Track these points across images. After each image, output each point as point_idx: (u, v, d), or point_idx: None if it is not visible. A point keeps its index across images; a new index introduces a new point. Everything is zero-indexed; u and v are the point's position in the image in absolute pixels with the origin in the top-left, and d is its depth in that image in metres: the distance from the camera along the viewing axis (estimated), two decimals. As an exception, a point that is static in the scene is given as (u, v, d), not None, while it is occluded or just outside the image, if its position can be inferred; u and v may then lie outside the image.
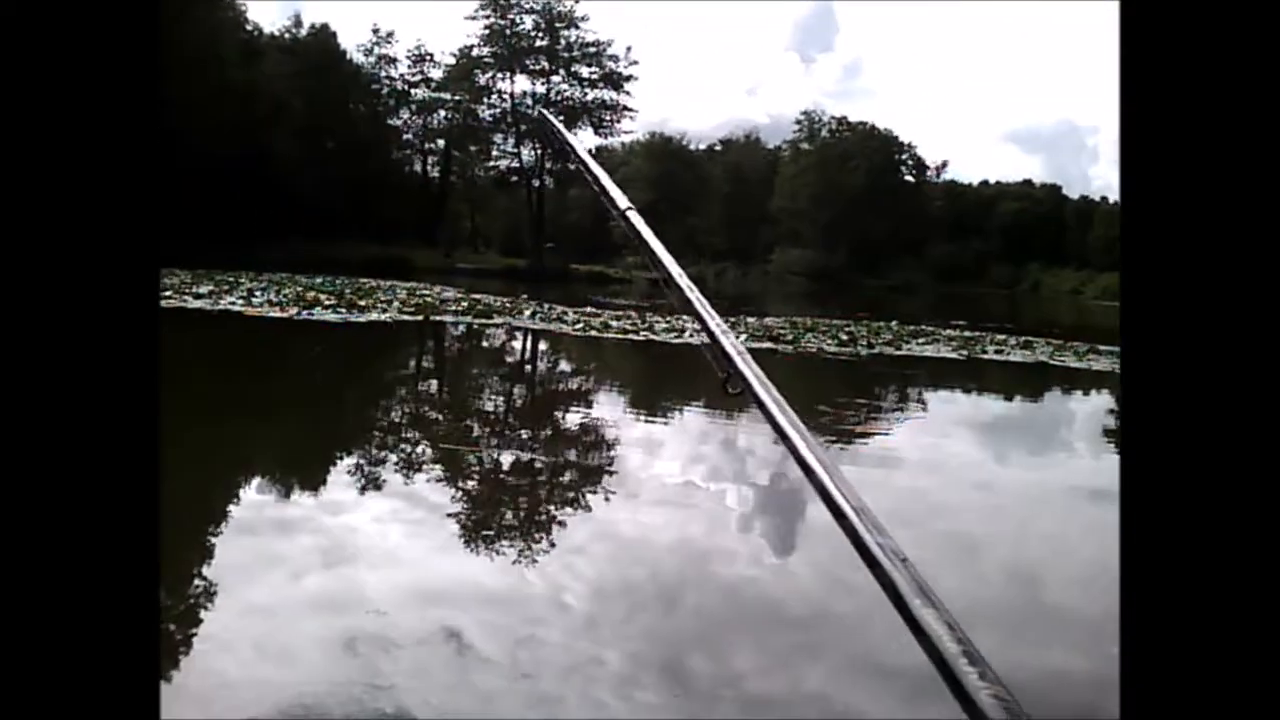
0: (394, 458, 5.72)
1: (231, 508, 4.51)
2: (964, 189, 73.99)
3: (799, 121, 71.31)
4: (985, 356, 13.79)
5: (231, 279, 19.47)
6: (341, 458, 5.75)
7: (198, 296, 15.05)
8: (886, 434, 7.77)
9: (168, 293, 15.12)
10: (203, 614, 3.09)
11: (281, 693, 2.46)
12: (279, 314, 13.67)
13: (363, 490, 4.88)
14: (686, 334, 14.22)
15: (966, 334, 17.01)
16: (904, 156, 69.90)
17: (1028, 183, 72.84)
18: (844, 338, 14.85)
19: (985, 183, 75.30)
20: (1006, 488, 5.73)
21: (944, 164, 73.42)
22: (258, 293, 16.27)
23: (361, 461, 5.64)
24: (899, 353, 13.67)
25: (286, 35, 46.37)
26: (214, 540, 3.95)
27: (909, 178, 70.56)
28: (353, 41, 51.10)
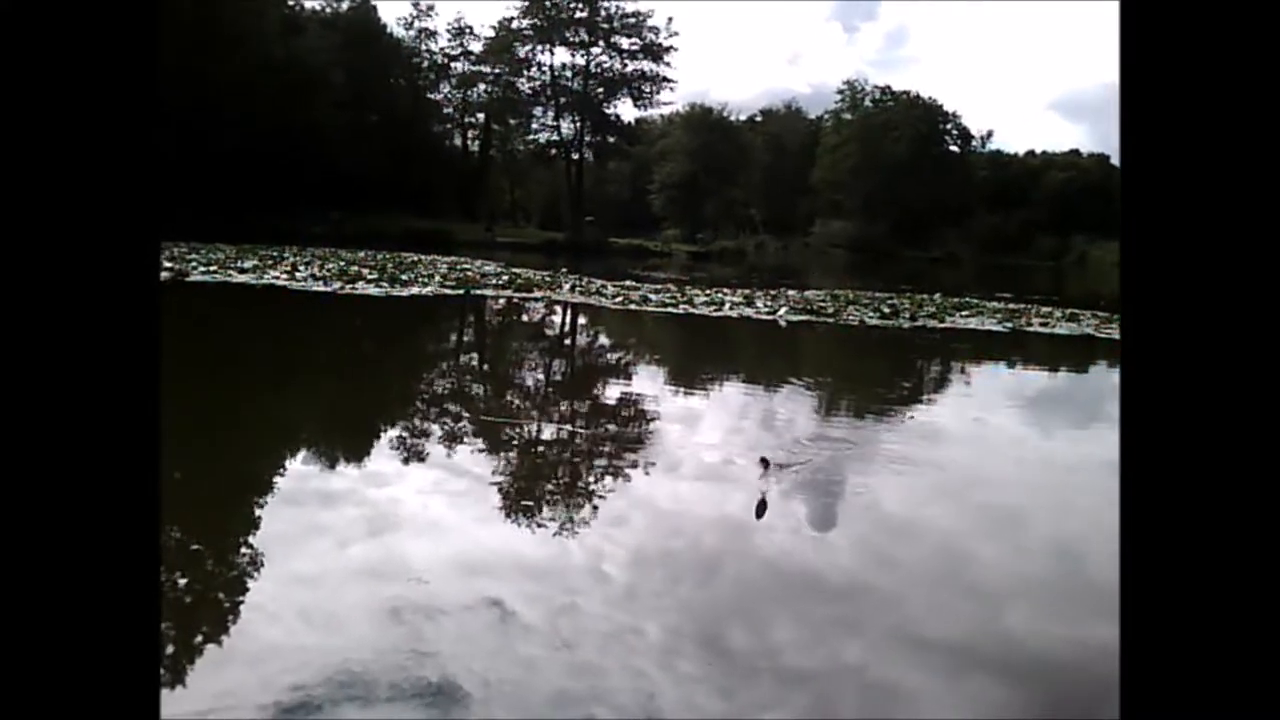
0: (436, 429, 5.78)
1: (277, 479, 4.58)
2: (1009, 159, 72.67)
3: (841, 91, 70.33)
4: (1030, 329, 13.59)
5: (275, 253, 19.70)
6: (385, 430, 5.82)
7: (242, 271, 15.25)
8: (929, 407, 7.70)
9: (213, 268, 15.35)
10: (250, 583, 3.15)
11: (328, 659, 2.51)
12: (322, 288, 13.82)
13: (406, 461, 4.94)
14: (725, 307, 14.16)
15: (1011, 306, 16.77)
16: (948, 126, 68.74)
17: (1074, 152, 71.29)
18: (886, 310, 14.71)
19: (1031, 152, 73.86)
20: (1050, 461, 5.66)
21: (989, 133, 72.14)
22: (301, 267, 16.45)
23: (404, 433, 5.71)
24: (942, 325, 13.52)
25: (327, 10, 46.54)
26: (260, 511, 4.02)
27: (953, 148, 69.41)
28: (393, 15, 51.22)
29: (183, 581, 3.23)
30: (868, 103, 69.09)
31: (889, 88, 69.32)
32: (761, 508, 2.77)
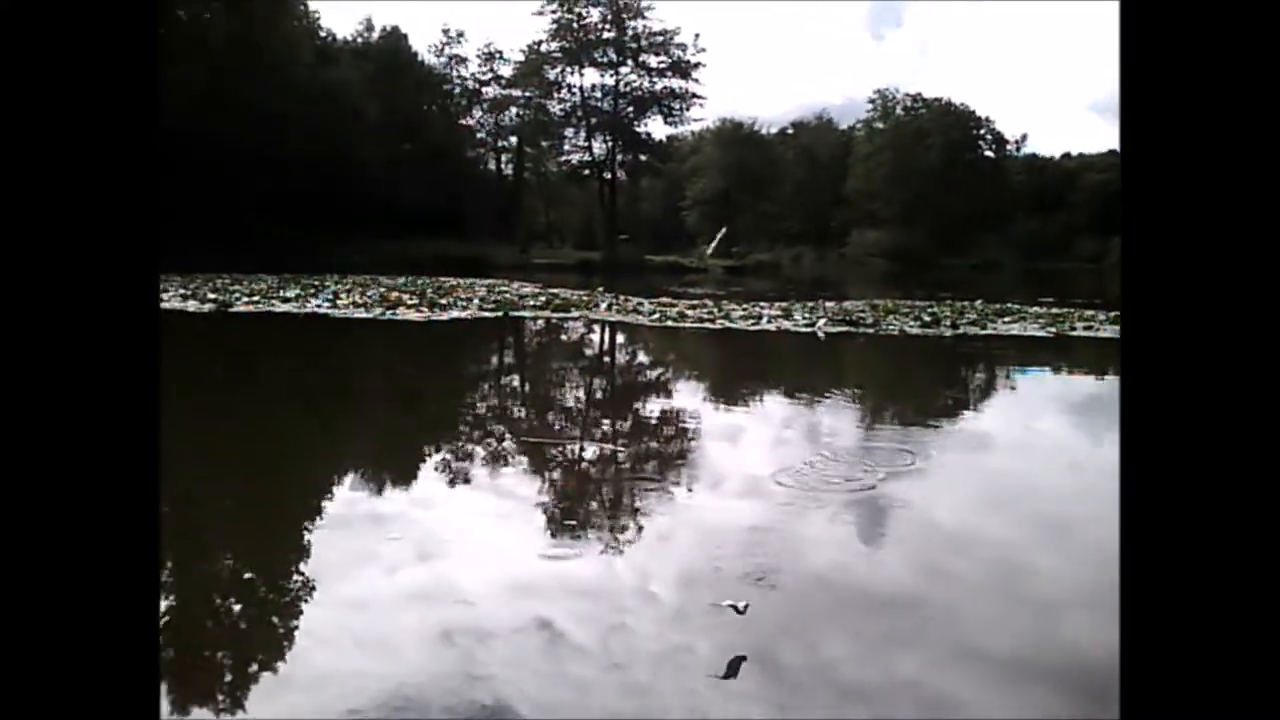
0: (480, 451, 5.80)
1: (326, 504, 4.63)
2: (1045, 162, 71.94)
3: (872, 100, 70.12)
4: (1074, 333, 13.39)
5: (317, 282, 19.99)
6: (429, 453, 5.85)
7: (285, 300, 15.49)
8: (976, 415, 7.61)
9: (256, 298, 15.60)
10: (303, 608, 3.18)
11: (382, 684, 2.51)
12: (364, 315, 13.99)
13: (451, 484, 4.97)
14: (763, 320, 14.12)
15: (1053, 311, 16.54)
16: (982, 131, 68.24)
17: (1112, 153, 70.29)
18: (926, 319, 14.57)
19: (1068, 155, 73.06)
20: (1100, 468, 5.56)
21: (1024, 137, 71.61)
22: (342, 295, 16.67)
23: (449, 456, 5.74)
24: (984, 332, 13.36)
25: (359, 40, 47.36)
26: (311, 536, 4.06)
27: (988, 153, 68.87)
28: (423, 43, 51.97)
29: (237, 608, 3.27)
30: (899, 111, 68.81)
31: (920, 95, 69.02)
32: (734, 666, 2.67)
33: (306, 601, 3.24)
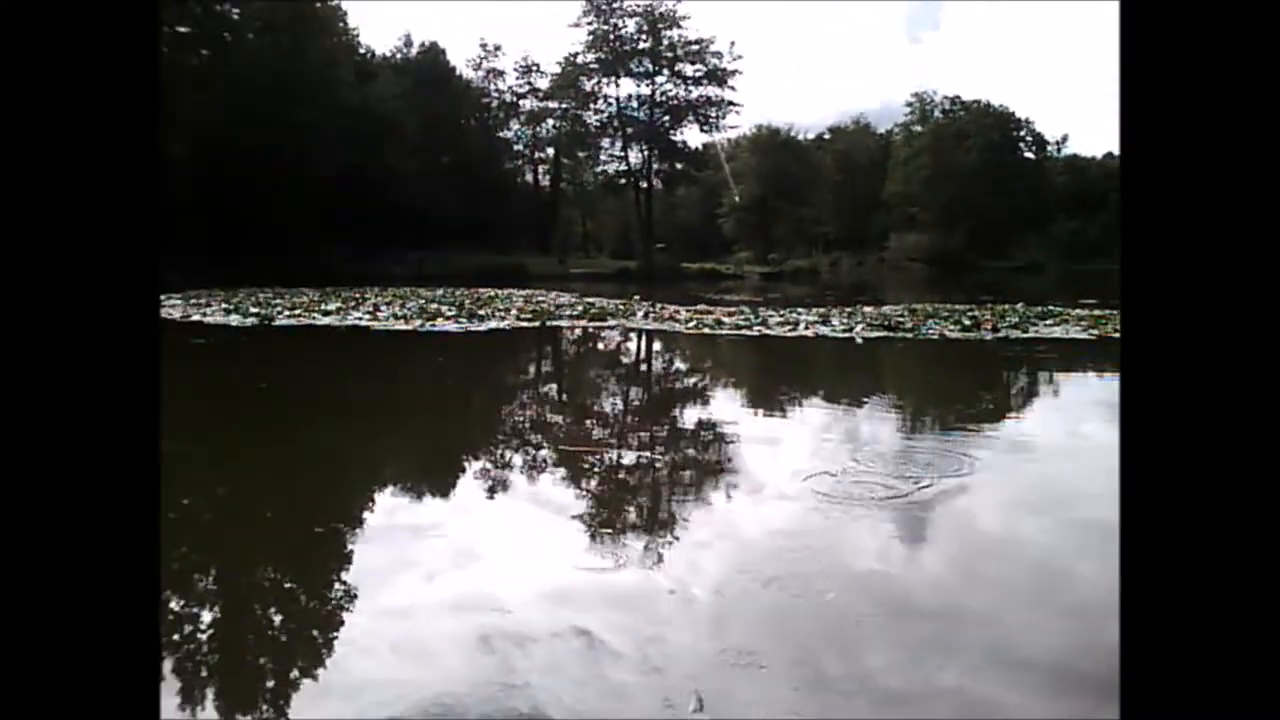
0: (518, 460, 5.84)
1: (367, 514, 4.68)
2: (1087, 162, 70.93)
3: (909, 103, 69.65)
4: (1117, 335, 13.16)
5: (358, 295, 20.23)
6: (468, 462, 5.90)
7: (326, 314, 15.69)
8: (1018, 419, 7.51)
9: (298, 311, 15.82)
10: (344, 617, 3.22)
11: (421, 691, 2.54)
12: (404, 327, 14.13)
13: (490, 493, 5.00)
14: (801, 326, 14.06)
15: (1096, 313, 16.28)
16: (1021, 133, 67.46)
17: (1156, 151, 69.14)
18: (967, 322, 14.42)
19: (1110, 154, 71.90)
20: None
21: (1064, 138, 70.74)
22: (383, 307, 16.86)
23: (488, 465, 5.78)
24: (1026, 335, 13.19)
25: (397, 55, 47.97)
26: (352, 545, 4.11)
27: (1028, 154, 68.06)
28: (461, 58, 52.49)
29: (278, 619, 3.31)
30: (937, 114, 68.26)
31: (958, 97, 68.41)
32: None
33: (348, 610, 3.27)
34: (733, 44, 63.15)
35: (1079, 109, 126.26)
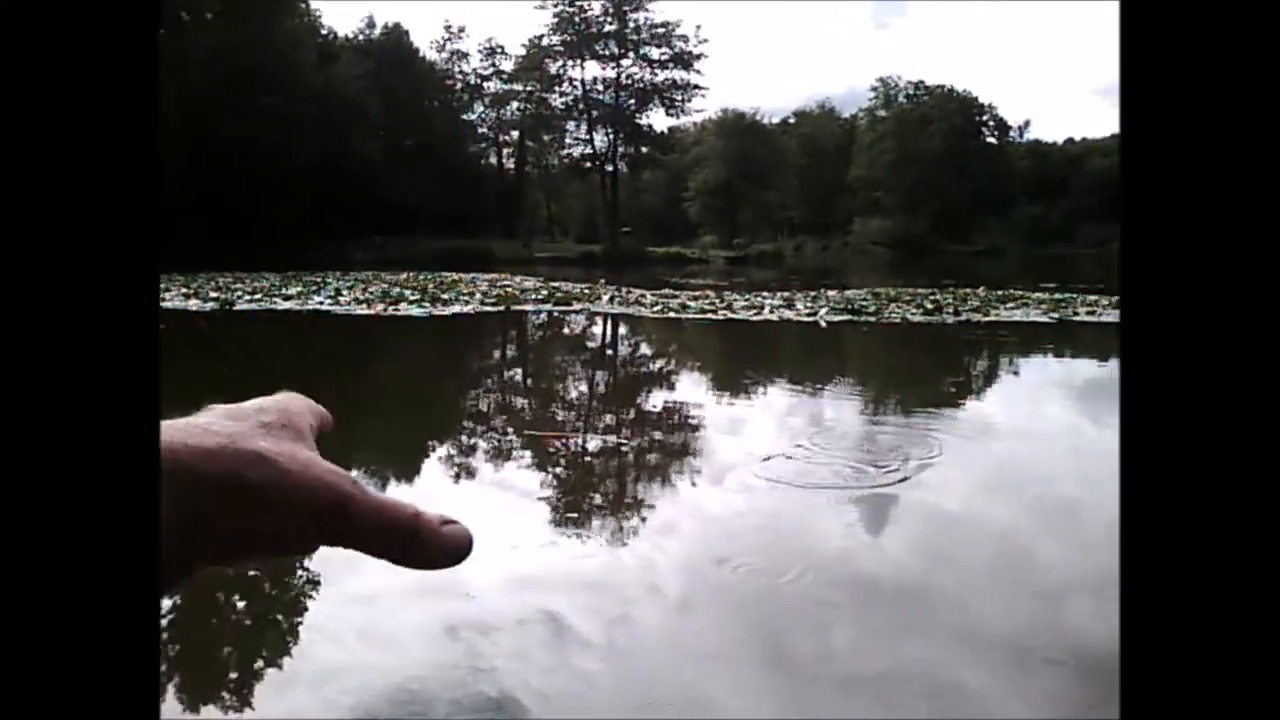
0: (484, 446, 5.82)
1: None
2: (1049, 148, 71.77)
3: (874, 88, 69.93)
4: (1077, 319, 13.37)
5: (319, 279, 20.01)
6: (433, 448, 5.87)
7: (287, 298, 15.52)
8: (979, 401, 7.61)
9: (258, 296, 15.63)
10: (308, 604, 3.20)
11: (388, 678, 2.53)
12: (366, 310, 14.01)
13: (456, 479, 4.98)
14: (765, 310, 14.12)
15: (1056, 296, 16.51)
16: (985, 118, 68.04)
17: (1116, 137, 69.99)
18: (929, 306, 14.57)
19: (1071, 140, 72.85)
20: (1105, 452, 5.56)
21: (1027, 123, 71.50)
22: (345, 291, 16.70)
23: (452, 451, 5.76)
24: (987, 319, 13.35)
25: (360, 37, 47.31)
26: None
27: (991, 139, 68.68)
28: (425, 39, 51.86)
29: (241, 605, 3.29)
30: (902, 99, 68.61)
31: (923, 83, 68.80)
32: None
33: (312, 597, 3.26)
34: (699, 27, 63.14)
35: (1042, 95, 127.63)
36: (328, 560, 3.61)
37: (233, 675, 2.73)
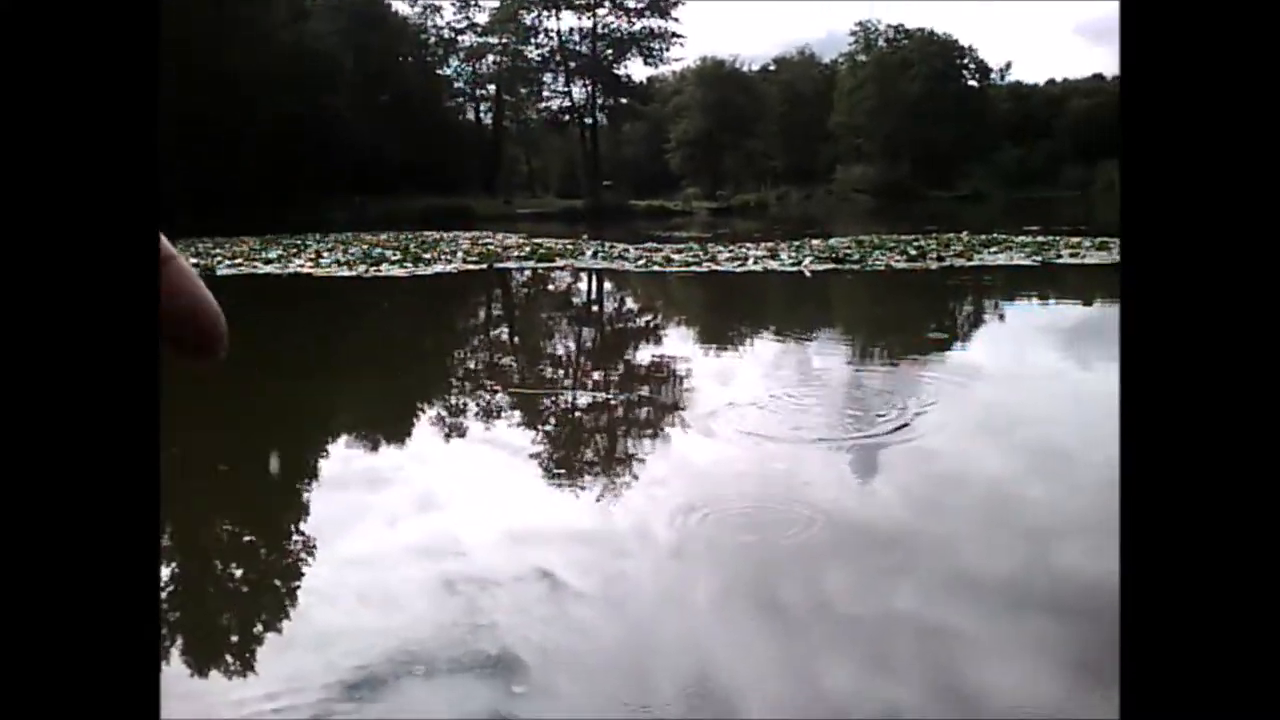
0: (473, 405, 5.82)
1: (322, 464, 4.65)
2: (1030, 90, 71.27)
3: (853, 33, 69.07)
4: (1060, 261, 13.40)
5: (299, 242, 19.83)
6: (422, 409, 5.87)
7: (267, 262, 15.37)
8: (964, 346, 7.65)
9: (238, 260, 15.48)
10: (305, 568, 3.21)
11: (388, 638, 2.55)
12: (347, 272, 13.90)
13: (447, 438, 4.99)
14: (750, 262, 14.08)
15: (1040, 239, 16.52)
16: (965, 61, 67.38)
17: (1098, 77, 69.58)
18: (913, 252, 14.56)
19: (1052, 81, 72.36)
20: (1091, 394, 5.61)
21: (1008, 65, 71.01)
22: (325, 253, 16.55)
23: (442, 411, 5.76)
24: (971, 264, 13.37)
25: (331, -7, 46.29)
26: (309, 496, 4.09)
27: (972, 83, 68.11)
28: (396, -7, 50.70)
29: (239, 572, 3.30)
30: (881, 43, 67.84)
31: (902, 26, 68.01)
32: None
33: (308, 562, 3.27)
34: (675, -26, 62.00)
35: (1023, 36, 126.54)
36: (322, 523, 3.62)
37: (233, 639, 2.75)
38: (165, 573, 3.07)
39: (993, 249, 14.96)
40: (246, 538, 3.62)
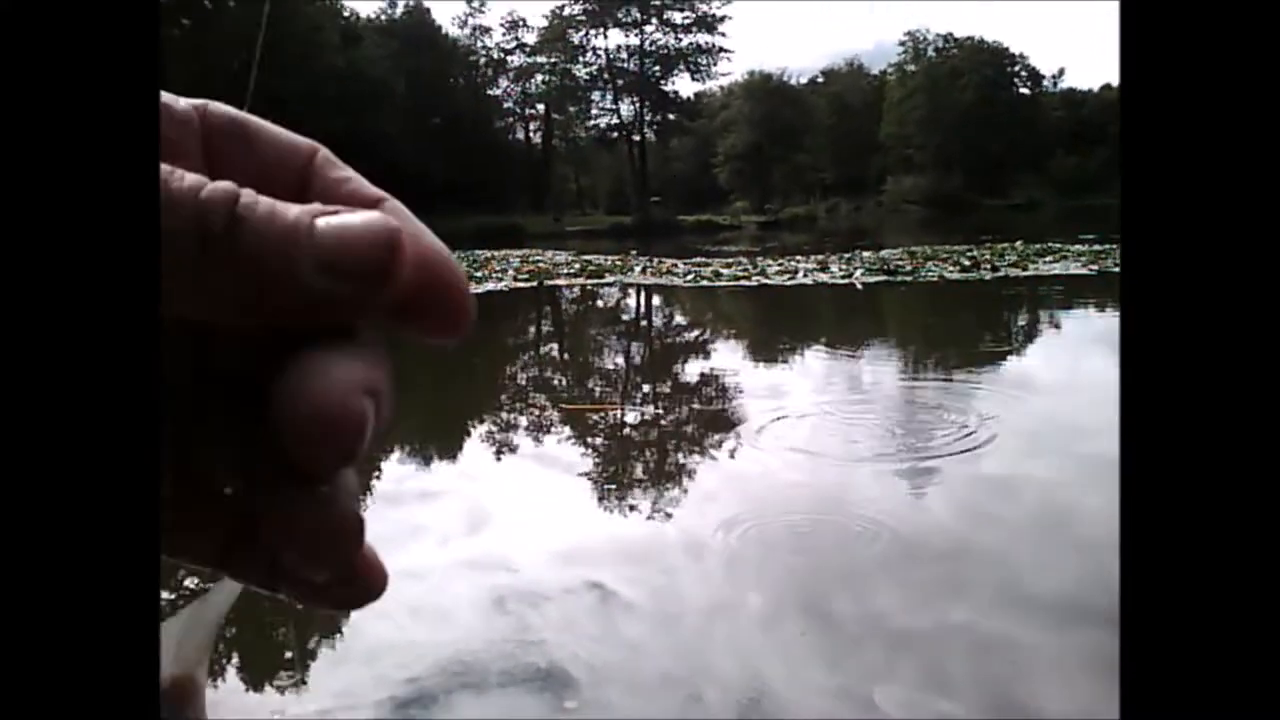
0: (524, 421, 5.86)
1: (375, 481, 4.70)
2: (1084, 96, 70.18)
3: (903, 43, 68.69)
4: (1118, 270, 13.12)
5: (354, 262, 20.16)
6: (474, 425, 5.92)
7: (324, 281, 15.66)
8: (1020, 357, 7.52)
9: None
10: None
11: (439, 652, 2.57)
12: (401, 291, 14.09)
13: (498, 455, 5.03)
14: (799, 275, 14.02)
15: (1096, 248, 16.21)
16: (1016, 68, 66.65)
17: (1154, 80, 68.20)
18: (966, 263, 14.38)
19: (1107, 86, 71.15)
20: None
21: (1060, 71, 69.94)
22: (380, 273, 16.80)
23: (493, 428, 5.80)
24: (1025, 273, 13.16)
25: (382, 17, 47.31)
26: (364, 513, 4.14)
27: (1024, 90, 67.30)
28: (447, 16, 51.68)
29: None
30: (931, 52, 67.38)
31: (952, 35, 67.51)
32: None
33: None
34: (721, -11, 62.20)
35: (1075, 41, 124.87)
36: (375, 538, 3.66)
37: (288, 654, 2.79)
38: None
39: (1048, 258, 14.71)
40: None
